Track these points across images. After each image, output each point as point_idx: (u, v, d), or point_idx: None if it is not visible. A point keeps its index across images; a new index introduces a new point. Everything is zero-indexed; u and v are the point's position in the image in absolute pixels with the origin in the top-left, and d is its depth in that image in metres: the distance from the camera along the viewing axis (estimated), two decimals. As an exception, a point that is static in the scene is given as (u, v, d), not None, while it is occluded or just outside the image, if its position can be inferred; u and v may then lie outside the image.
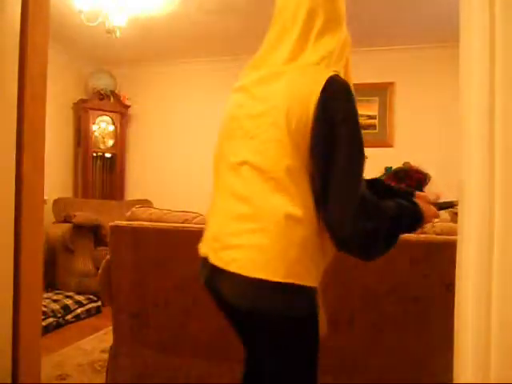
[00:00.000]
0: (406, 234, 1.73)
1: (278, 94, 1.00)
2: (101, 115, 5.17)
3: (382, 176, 4.64)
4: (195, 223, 2.04)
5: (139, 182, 5.45)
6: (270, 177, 0.99)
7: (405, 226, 1.08)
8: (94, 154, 5.19)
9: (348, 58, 1.10)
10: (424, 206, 1.10)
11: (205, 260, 1.19)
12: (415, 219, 1.09)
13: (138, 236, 2.05)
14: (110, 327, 2.23)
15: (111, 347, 2.14)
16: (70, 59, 5.07)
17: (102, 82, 5.24)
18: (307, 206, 0.99)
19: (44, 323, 3.08)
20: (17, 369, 0.95)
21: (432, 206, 1.14)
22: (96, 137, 5.19)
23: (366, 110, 4.82)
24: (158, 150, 5.44)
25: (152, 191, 5.23)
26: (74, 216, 4.22)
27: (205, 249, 1.21)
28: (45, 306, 3.31)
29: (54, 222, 4.42)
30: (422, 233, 1.81)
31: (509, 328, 0.79)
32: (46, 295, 3.65)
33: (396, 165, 4.64)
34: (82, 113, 5.09)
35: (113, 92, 5.27)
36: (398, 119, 4.74)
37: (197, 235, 1.98)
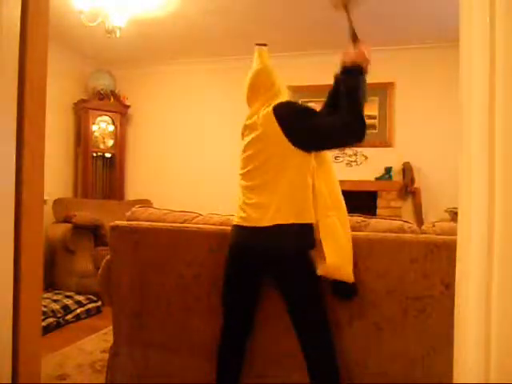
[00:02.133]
0: (408, 235, 1.74)
1: None
2: (101, 115, 5.17)
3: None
4: (195, 223, 2.04)
5: (139, 182, 5.45)
6: None
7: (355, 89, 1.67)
8: (94, 154, 5.18)
9: None
10: (354, 56, 1.64)
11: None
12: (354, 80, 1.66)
13: (138, 236, 2.05)
14: (110, 327, 2.23)
15: (111, 347, 2.14)
16: (70, 59, 5.07)
17: (102, 82, 5.23)
18: None
19: (44, 323, 3.08)
20: (17, 369, 0.95)
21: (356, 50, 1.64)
22: (96, 137, 5.19)
23: (365, 109, 4.77)
24: (157, 149, 5.44)
25: (152, 191, 5.23)
26: (74, 216, 4.22)
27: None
28: (45, 306, 3.31)
29: (53, 222, 4.42)
30: (423, 233, 1.81)
31: (509, 327, 0.79)
32: (45, 295, 3.65)
33: (396, 165, 4.64)
34: (81, 113, 5.09)
35: (113, 92, 5.27)
36: (398, 119, 4.74)
37: (196, 235, 1.98)
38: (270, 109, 1.70)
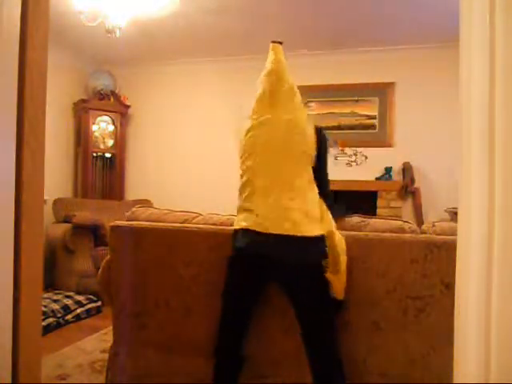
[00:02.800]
0: (408, 235, 1.74)
1: None
2: (101, 115, 5.18)
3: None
4: (195, 223, 2.04)
5: (139, 181, 5.45)
6: None
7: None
8: (94, 154, 5.19)
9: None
10: None
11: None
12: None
13: (138, 236, 2.05)
14: (110, 327, 2.23)
15: (111, 347, 2.14)
16: (70, 59, 5.08)
17: (102, 82, 5.24)
18: None
19: (44, 323, 3.08)
20: (17, 369, 0.95)
21: None
22: (96, 137, 5.19)
23: (366, 110, 4.82)
24: (157, 149, 5.44)
25: (152, 191, 5.23)
26: (74, 216, 4.22)
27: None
28: (45, 306, 3.31)
29: (54, 222, 4.42)
30: (423, 233, 1.81)
31: (509, 327, 0.79)
32: (46, 295, 3.65)
33: (396, 165, 4.65)
34: (82, 113, 5.09)
35: (113, 92, 5.27)
36: (398, 119, 4.74)
37: (196, 235, 1.98)
38: (312, 126, 1.80)
